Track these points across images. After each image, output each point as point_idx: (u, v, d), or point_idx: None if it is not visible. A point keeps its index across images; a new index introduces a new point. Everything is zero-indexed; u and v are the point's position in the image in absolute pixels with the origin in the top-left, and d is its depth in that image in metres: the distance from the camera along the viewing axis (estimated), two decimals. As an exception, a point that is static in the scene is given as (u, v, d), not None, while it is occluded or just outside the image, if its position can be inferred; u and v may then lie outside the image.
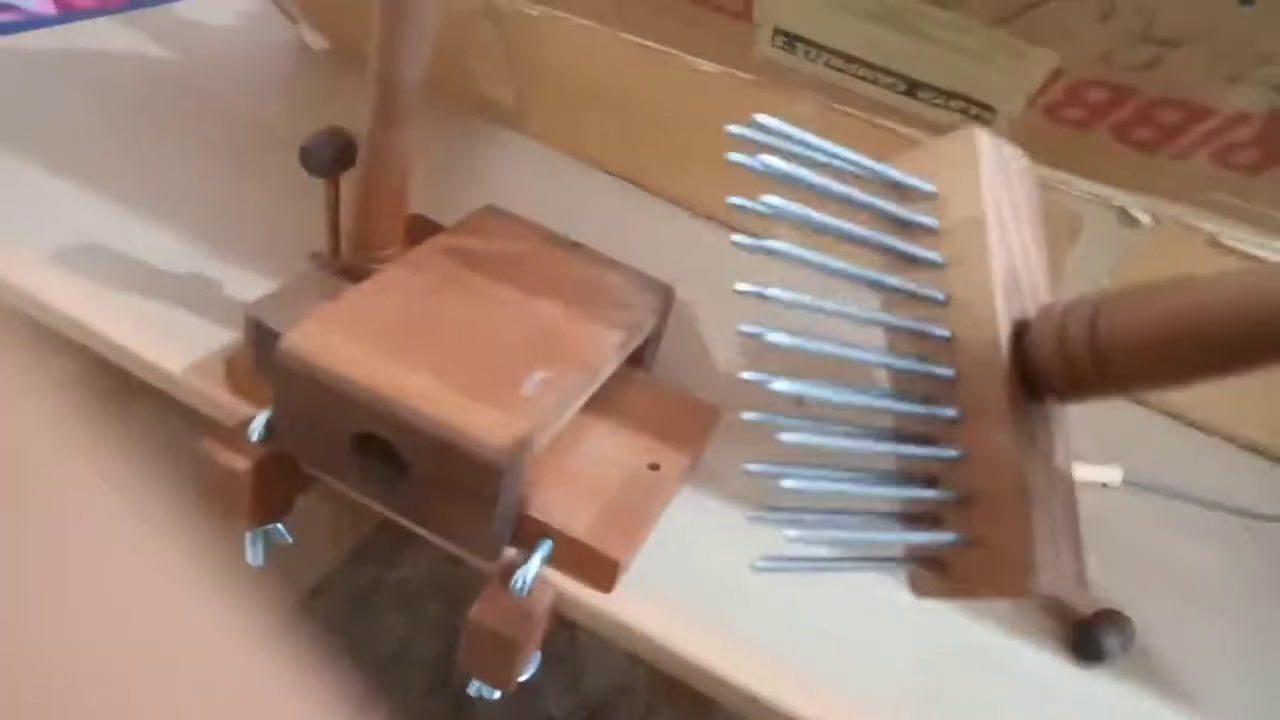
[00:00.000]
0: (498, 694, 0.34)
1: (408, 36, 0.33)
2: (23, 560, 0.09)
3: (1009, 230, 0.30)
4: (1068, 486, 0.29)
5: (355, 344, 0.32)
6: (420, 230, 0.40)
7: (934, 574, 0.29)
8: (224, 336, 0.40)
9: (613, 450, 0.39)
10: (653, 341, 0.42)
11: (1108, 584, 0.40)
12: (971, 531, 0.28)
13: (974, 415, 0.28)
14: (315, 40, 0.66)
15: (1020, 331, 0.28)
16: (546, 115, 0.60)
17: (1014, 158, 0.32)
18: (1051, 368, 0.27)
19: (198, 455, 0.35)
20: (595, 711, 0.78)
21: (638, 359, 0.42)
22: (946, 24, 0.38)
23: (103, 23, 0.65)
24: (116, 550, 0.10)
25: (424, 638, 0.97)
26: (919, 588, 0.30)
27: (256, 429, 0.34)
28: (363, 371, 0.32)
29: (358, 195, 0.36)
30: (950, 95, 0.43)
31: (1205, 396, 0.50)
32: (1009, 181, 0.31)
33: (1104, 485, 0.45)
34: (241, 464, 0.34)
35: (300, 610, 0.95)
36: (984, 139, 0.31)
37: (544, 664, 0.35)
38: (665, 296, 0.41)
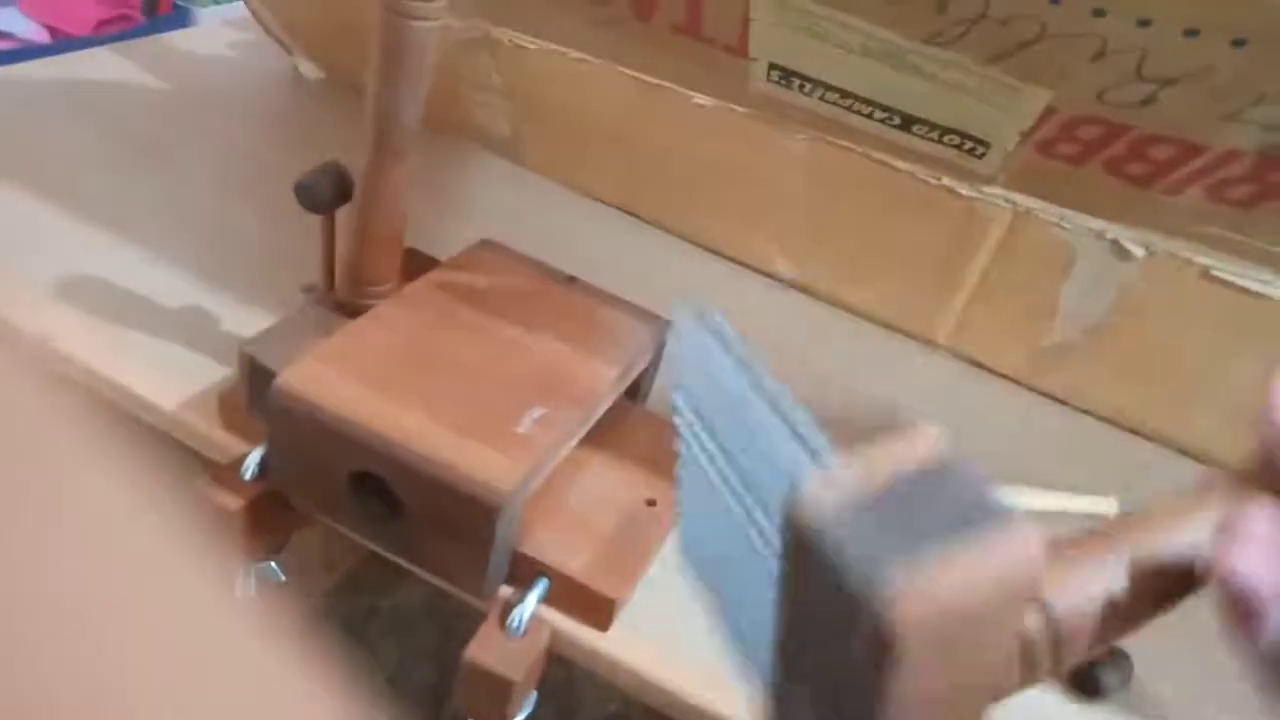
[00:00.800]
0: (494, 735, 0.33)
1: (406, 73, 0.33)
2: (35, 566, 0.09)
3: None
4: None
5: (351, 382, 0.32)
6: (415, 265, 0.40)
7: None
8: (217, 371, 0.39)
9: (609, 486, 0.38)
10: (648, 374, 0.42)
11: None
12: None
13: None
14: (309, 70, 0.66)
15: None
16: (543, 146, 0.61)
17: None
18: None
19: (192, 493, 0.34)
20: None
21: (633, 391, 0.41)
22: (941, 61, 0.38)
23: (97, 52, 0.65)
24: (121, 556, 0.10)
25: (418, 666, 0.96)
26: None
27: (250, 467, 0.34)
28: (359, 410, 0.31)
29: (354, 231, 0.36)
30: (945, 130, 0.43)
31: (1201, 427, 0.50)
32: None
33: (1098, 517, 0.45)
34: (234, 503, 0.34)
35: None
36: None
37: (539, 694, 0.35)
38: (660, 329, 0.41)
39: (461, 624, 0.33)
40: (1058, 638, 0.21)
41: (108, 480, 0.11)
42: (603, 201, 0.61)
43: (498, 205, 0.59)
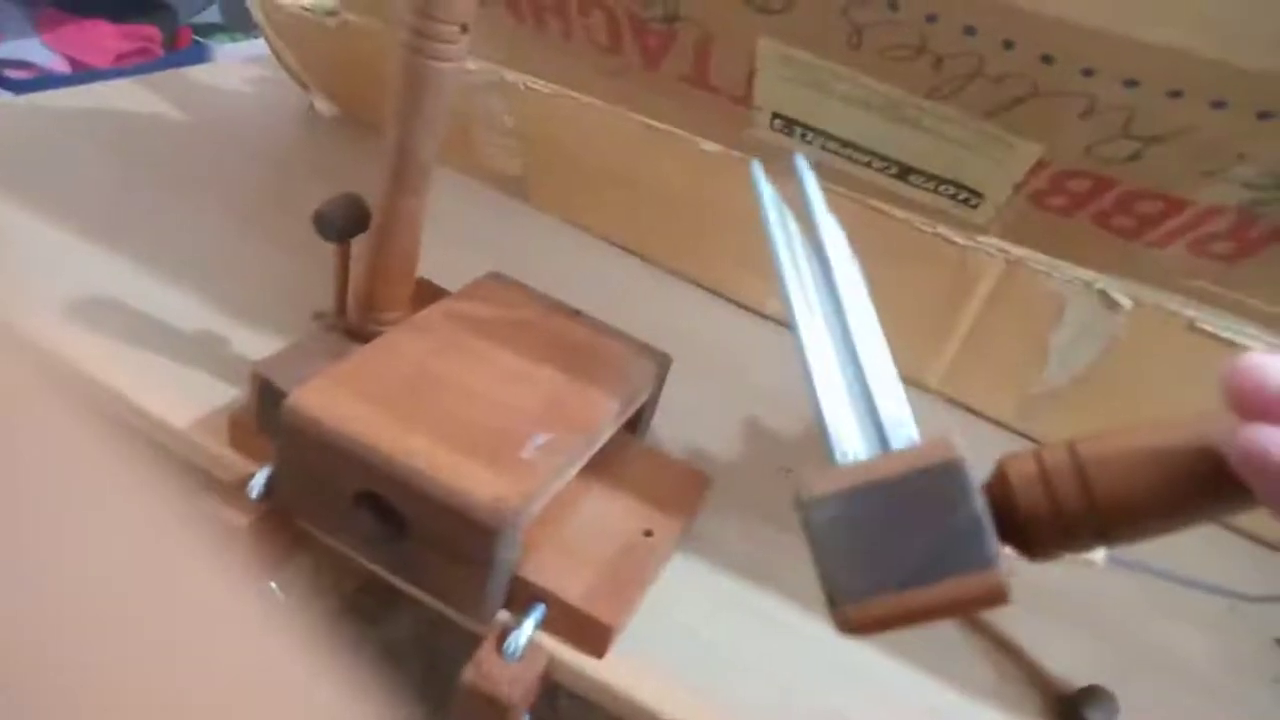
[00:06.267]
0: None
1: (423, 111, 0.34)
2: (61, 571, 0.09)
3: None
4: None
5: (360, 404, 0.33)
6: (425, 294, 0.41)
7: None
8: (228, 393, 0.40)
9: (608, 515, 0.39)
10: (648, 408, 0.43)
11: (1092, 661, 0.41)
12: None
13: None
14: (325, 107, 0.68)
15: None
16: (551, 185, 0.62)
17: None
18: (1037, 517, 0.26)
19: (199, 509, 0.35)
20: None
21: (633, 424, 0.42)
22: (938, 115, 0.40)
23: (119, 84, 0.66)
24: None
25: (403, 699, 0.95)
26: None
27: (256, 486, 0.35)
28: (366, 431, 0.32)
29: (368, 260, 0.37)
30: (940, 180, 0.44)
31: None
32: None
33: (1089, 563, 0.45)
34: (240, 520, 0.34)
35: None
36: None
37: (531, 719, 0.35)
38: (661, 364, 0.42)
39: (449, 656, 0.33)
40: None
41: (134, 491, 0.11)
42: (605, 240, 0.62)
43: (505, 242, 0.60)
